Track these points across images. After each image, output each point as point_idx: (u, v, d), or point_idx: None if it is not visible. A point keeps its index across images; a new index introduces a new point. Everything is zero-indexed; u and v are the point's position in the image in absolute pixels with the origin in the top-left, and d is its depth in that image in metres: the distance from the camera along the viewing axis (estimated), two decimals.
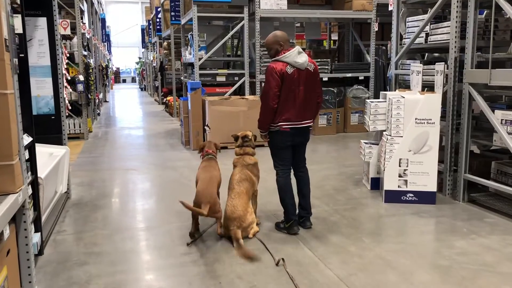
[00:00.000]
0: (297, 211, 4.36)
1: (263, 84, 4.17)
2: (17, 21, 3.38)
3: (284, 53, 4.12)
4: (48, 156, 4.71)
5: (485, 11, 5.91)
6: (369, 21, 9.99)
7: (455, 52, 5.13)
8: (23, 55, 3.57)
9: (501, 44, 5.21)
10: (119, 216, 4.89)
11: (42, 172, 3.93)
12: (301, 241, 4.07)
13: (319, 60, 9.62)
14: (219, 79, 9.75)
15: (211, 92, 9.41)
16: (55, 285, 3.32)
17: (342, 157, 7.74)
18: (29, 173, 3.45)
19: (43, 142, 4.77)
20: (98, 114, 14.19)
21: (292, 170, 4.39)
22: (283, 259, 3.61)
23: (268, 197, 5.24)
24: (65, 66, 8.77)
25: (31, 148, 3.54)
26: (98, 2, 17.11)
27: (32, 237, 3.21)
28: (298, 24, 12.20)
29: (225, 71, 10.03)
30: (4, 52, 2.63)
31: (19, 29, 3.43)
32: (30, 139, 3.52)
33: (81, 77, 9.44)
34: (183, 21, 11.29)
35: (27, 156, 3.33)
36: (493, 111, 4.70)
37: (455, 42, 5.12)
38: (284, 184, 4.28)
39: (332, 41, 13.99)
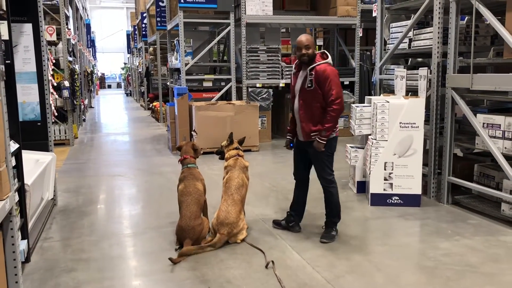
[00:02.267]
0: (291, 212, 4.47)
1: (308, 88, 3.98)
2: (4, 27, 3.37)
3: (323, 56, 4.05)
4: (34, 162, 4.68)
5: (466, 17, 6.05)
6: (354, 26, 10.11)
7: (437, 57, 5.24)
8: (9, 61, 3.56)
9: (482, 50, 5.32)
10: (106, 222, 4.87)
11: (28, 179, 3.91)
12: (289, 244, 4.10)
13: None
14: (205, 84, 9.76)
15: (198, 97, 9.42)
16: None
17: None
18: (16, 180, 3.43)
19: (29, 148, 4.73)
20: (84, 120, 14.09)
21: (301, 175, 4.38)
22: (272, 261, 3.64)
23: (255, 202, 5.27)
24: (51, 72, 8.71)
25: (17, 155, 3.52)
26: (83, 7, 17.02)
27: (19, 244, 3.20)
28: (284, 30, 12.29)
29: (212, 76, 10.06)
30: None
31: (5, 36, 3.42)
32: (17, 145, 3.50)
33: (67, 83, 9.38)
34: (169, 27, 11.30)
35: (13, 163, 3.31)
36: (475, 115, 4.81)
37: (438, 47, 5.22)
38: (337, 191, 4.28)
39: (317, 46, 14.11)
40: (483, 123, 4.69)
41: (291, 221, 4.42)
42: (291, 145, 4.40)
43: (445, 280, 3.40)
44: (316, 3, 10.64)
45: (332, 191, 4.20)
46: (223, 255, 3.86)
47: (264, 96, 9.53)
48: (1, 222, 2.78)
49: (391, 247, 4.04)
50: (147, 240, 4.31)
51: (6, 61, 3.52)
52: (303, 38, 3.99)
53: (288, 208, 4.54)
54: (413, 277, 3.49)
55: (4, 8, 3.45)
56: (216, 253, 3.90)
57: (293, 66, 4.24)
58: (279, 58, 9.67)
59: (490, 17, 4.49)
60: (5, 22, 3.44)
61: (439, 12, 5.15)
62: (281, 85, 9.75)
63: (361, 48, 10.41)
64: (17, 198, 3.43)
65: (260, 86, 9.62)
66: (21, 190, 3.61)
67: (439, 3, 5.12)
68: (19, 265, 3.12)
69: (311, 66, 3.97)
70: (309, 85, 3.98)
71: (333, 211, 4.24)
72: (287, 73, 9.65)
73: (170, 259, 3.68)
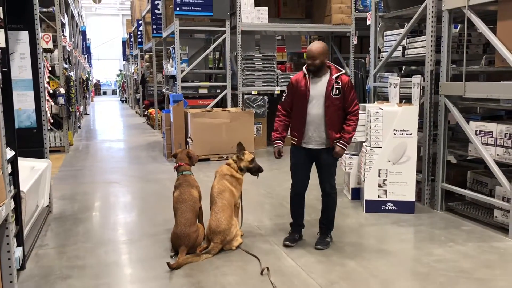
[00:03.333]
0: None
1: (333, 96, 3.98)
2: (0, 35, 3.39)
3: (334, 66, 4.11)
4: (30, 169, 4.68)
5: (459, 26, 6.13)
6: (348, 34, 10.20)
7: (431, 65, 5.30)
8: (5, 69, 3.58)
9: (474, 58, 5.40)
10: (101, 229, 4.88)
11: (24, 186, 3.92)
12: (284, 251, 4.12)
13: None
14: (201, 91, 9.80)
15: (193, 104, 9.46)
16: None
17: None
18: (12, 187, 3.44)
19: (24, 155, 4.73)
20: (79, 127, 14.08)
21: (306, 186, 4.29)
22: (267, 268, 3.65)
23: (251, 209, 5.29)
24: (47, 79, 8.73)
25: (13, 162, 3.53)
26: (78, 14, 17.06)
27: (15, 251, 3.21)
28: (279, 37, 12.37)
29: (207, 83, 10.09)
30: None
31: (2, 44, 3.45)
32: (13, 153, 3.52)
33: (62, 90, 9.39)
34: (164, 34, 11.35)
35: (9, 170, 3.33)
36: (468, 122, 4.87)
37: (431, 55, 5.29)
38: None
39: None
40: (476, 130, 4.74)
41: (300, 230, 4.41)
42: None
43: (438, 286, 3.43)
44: (311, 11, 10.74)
45: (335, 198, 4.25)
46: (219, 262, 3.87)
47: (259, 103, 9.57)
48: None
49: (386, 254, 4.07)
50: (143, 247, 4.31)
51: (3, 69, 3.54)
52: (313, 48, 3.98)
53: (283, 214, 4.55)
54: (407, 283, 3.52)
55: (1, 17, 3.48)
56: (212, 260, 3.92)
57: (304, 68, 4.09)
58: (275, 66, 9.74)
59: (481, 26, 4.56)
60: (2, 30, 3.47)
61: (432, 21, 5.22)
62: (276, 92, 9.80)
63: (355, 55, 10.50)
64: (13, 205, 3.43)
65: (256, 93, 9.67)
66: (17, 197, 3.61)
67: (432, 12, 5.19)
68: (14, 273, 3.13)
69: (337, 74, 4.02)
70: (336, 92, 3.98)
71: (330, 218, 4.27)
72: (283, 80, 9.71)
73: (168, 263, 3.69)
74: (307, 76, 4.06)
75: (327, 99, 3.99)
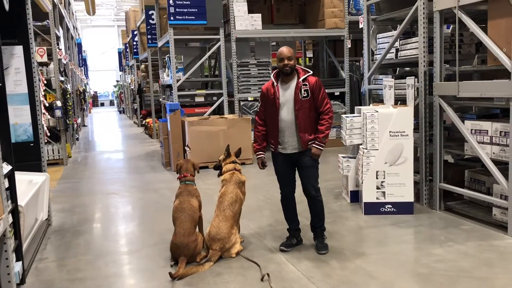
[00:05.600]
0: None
1: (323, 97, 4.10)
2: None
3: (301, 69, 4.16)
4: (28, 183, 4.68)
5: (451, 26, 6.16)
6: (342, 38, 10.25)
7: (424, 66, 5.33)
8: (0, 84, 3.59)
9: (467, 57, 5.43)
10: (101, 241, 4.87)
11: (22, 200, 3.91)
12: (284, 257, 4.12)
13: None
14: (197, 99, 9.84)
15: (190, 112, 9.48)
16: None
17: (322, 171, 7.72)
18: (9, 201, 3.44)
19: (22, 169, 4.74)
20: (77, 139, 14.08)
21: (293, 190, 4.34)
22: (268, 274, 3.65)
23: (250, 215, 5.29)
24: (43, 93, 8.74)
25: (10, 176, 3.54)
26: (74, 27, 17.12)
27: (14, 266, 3.21)
28: (274, 43, 12.43)
29: (204, 91, 10.13)
30: None
31: None
32: (10, 167, 3.52)
33: (59, 103, 9.41)
34: (160, 44, 11.40)
35: (6, 185, 3.33)
36: (463, 122, 4.89)
37: (424, 56, 5.32)
38: None
39: (307, 58, 14.27)
40: (471, 129, 4.76)
41: (299, 235, 4.43)
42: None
43: (438, 286, 3.43)
44: (304, 16, 10.80)
45: (321, 199, 4.27)
46: (219, 269, 3.87)
47: (256, 109, 9.59)
48: None
49: (386, 255, 4.08)
50: (143, 257, 4.31)
51: None
52: (285, 49, 4.04)
53: (282, 220, 4.55)
54: (408, 284, 3.52)
55: None
56: (212, 267, 3.91)
57: (272, 76, 4.18)
58: (270, 71, 9.77)
59: (472, 26, 4.59)
60: None
61: (423, 22, 5.25)
62: None
63: (350, 59, 10.55)
64: (11, 219, 3.44)
65: (252, 99, 9.70)
66: (15, 212, 3.62)
67: (423, 13, 5.23)
68: (14, 287, 3.13)
69: (304, 77, 4.05)
70: (304, 95, 4.02)
71: (321, 219, 4.30)
72: None
73: (170, 273, 3.69)
74: (275, 84, 4.11)
75: (296, 103, 4.03)
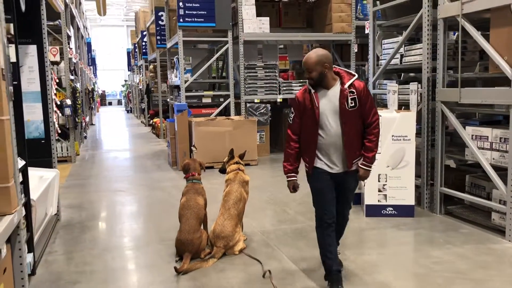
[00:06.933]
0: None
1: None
2: (11, 50, 3.56)
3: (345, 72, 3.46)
4: (39, 179, 4.83)
5: (457, 33, 6.25)
6: (349, 42, 10.35)
7: (427, 72, 5.43)
8: (16, 82, 3.74)
9: (470, 64, 5.52)
10: (108, 236, 5.01)
11: (34, 195, 4.06)
12: (286, 255, 4.24)
13: (302, 81, 9.93)
14: (204, 100, 9.97)
15: (197, 113, 9.61)
16: None
17: None
18: (23, 195, 3.58)
19: (33, 165, 4.89)
20: (85, 137, 14.27)
21: (331, 214, 3.51)
22: (269, 271, 3.77)
23: (254, 214, 5.41)
24: (54, 91, 8.91)
25: (24, 171, 3.68)
26: (84, 26, 17.33)
27: (26, 256, 3.34)
28: (282, 46, 12.55)
29: (211, 92, 10.27)
30: (1, 81, 2.82)
31: (13, 58, 3.61)
32: (23, 162, 3.67)
33: (68, 101, 9.58)
34: (168, 45, 11.56)
35: (21, 179, 3.47)
36: (465, 127, 4.98)
37: (428, 62, 5.42)
38: None
39: None
40: (472, 135, 4.86)
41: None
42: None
43: (435, 286, 3.53)
44: (312, 20, 10.91)
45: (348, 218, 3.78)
46: (222, 266, 4.00)
47: (262, 111, 9.72)
48: (9, 235, 2.93)
49: (385, 256, 4.18)
50: (149, 252, 4.44)
51: (14, 83, 3.70)
52: (306, 58, 3.37)
53: (285, 220, 4.64)
54: (405, 284, 3.63)
55: (12, 32, 3.65)
56: (215, 263, 4.04)
57: (308, 82, 3.43)
58: (277, 74, 9.89)
59: (475, 34, 4.69)
60: (13, 45, 3.63)
61: (427, 29, 5.35)
62: (278, 100, 9.95)
63: (356, 63, 10.64)
64: (24, 212, 3.58)
65: (258, 101, 9.82)
66: (27, 205, 3.76)
67: (428, 20, 5.33)
68: (26, 277, 3.26)
69: (350, 82, 3.35)
70: (352, 104, 3.33)
71: (342, 234, 3.88)
72: (285, 88, 9.86)
73: (175, 268, 3.82)
74: (312, 91, 3.40)
75: (343, 114, 3.33)
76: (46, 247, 4.57)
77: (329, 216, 3.45)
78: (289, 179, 3.57)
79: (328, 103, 3.36)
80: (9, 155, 2.91)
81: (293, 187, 3.56)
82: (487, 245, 4.36)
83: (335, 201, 3.51)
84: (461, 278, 3.67)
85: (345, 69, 3.47)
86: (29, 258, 3.65)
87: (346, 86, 3.34)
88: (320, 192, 3.49)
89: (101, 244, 4.71)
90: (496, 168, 4.64)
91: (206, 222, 4.45)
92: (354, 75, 3.41)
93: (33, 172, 4.73)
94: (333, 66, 3.42)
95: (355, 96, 3.34)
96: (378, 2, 6.51)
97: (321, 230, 3.49)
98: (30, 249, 3.79)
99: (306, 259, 4.12)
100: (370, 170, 3.46)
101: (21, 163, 3.55)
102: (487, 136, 4.68)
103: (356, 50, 10.37)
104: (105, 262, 4.21)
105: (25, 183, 3.69)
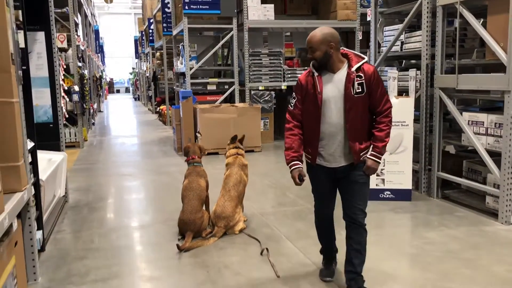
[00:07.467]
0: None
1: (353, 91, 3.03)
2: (20, 36, 3.71)
3: (353, 54, 3.11)
4: (47, 161, 5.02)
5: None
6: (354, 30, 10.40)
7: (426, 59, 5.51)
8: (25, 67, 3.90)
9: (470, 51, 5.58)
10: (114, 217, 5.20)
11: (42, 176, 4.24)
12: (284, 235, 4.40)
13: (307, 68, 10.01)
14: (209, 87, 10.11)
15: (202, 100, 9.76)
16: (57, 277, 3.62)
17: None
18: (32, 175, 3.76)
19: (42, 148, 5.05)
20: (93, 124, 14.49)
21: (333, 210, 3.39)
22: (267, 248, 3.93)
23: (255, 197, 5.57)
24: (62, 77, 9.09)
25: (33, 152, 3.86)
26: (91, 14, 17.47)
27: (35, 233, 3.53)
28: (288, 34, 12.61)
29: (216, 80, 10.39)
30: (11, 66, 2.97)
31: (22, 44, 3.76)
32: (32, 144, 3.84)
33: (76, 88, 9.76)
34: (174, 32, 11.67)
35: (30, 159, 3.65)
36: (462, 113, 5.08)
37: (426, 49, 5.50)
38: None
39: None
40: (468, 121, 4.96)
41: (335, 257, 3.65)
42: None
43: (425, 265, 3.68)
44: (317, 7, 10.95)
45: (366, 230, 3.23)
46: (222, 244, 4.17)
47: (266, 98, 9.83)
48: (20, 211, 3.11)
49: (380, 237, 4.32)
50: (153, 232, 4.63)
51: (23, 67, 3.86)
52: (310, 36, 3.05)
53: (285, 203, 4.78)
54: (396, 262, 3.77)
55: (21, 19, 3.80)
56: (216, 242, 4.21)
57: (311, 64, 3.13)
58: (281, 61, 9.97)
59: (472, 21, 4.76)
60: (22, 32, 3.78)
61: (427, 17, 5.42)
62: (283, 87, 10.06)
63: (361, 50, 10.66)
64: (33, 191, 3.76)
65: (263, 88, 9.93)
66: (37, 185, 3.94)
67: (427, 7, 5.40)
68: (36, 251, 3.46)
69: (358, 65, 3.00)
70: (358, 90, 2.98)
71: (362, 260, 3.24)
72: (289, 75, 9.96)
73: (177, 245, 4.01)
74: (315, 74, 3.09)
75: (347, 100, 2.99)
76: (54, 226, 4.77)
77: (323, 211, 3.34)
78: (294, 167, 3.12)
79: (333, 89, 3.03)
80: (19, 136, 3.07)
81: (299, 177, 3.12)
82: (480, 227, 4.49)
83: (334, 196, 3.31)
84: (450, 257, 3.80)
85: (354, 52, 3.12)
86: (38, 234, 3.84)
87: (353, 69, 2.98)
88: (316, 188, 3.31)
89: (107, 224, 4.90)
90: (492, 154, 4.74)
91: (208, 203, 4.62)
92: (363, 58, 3.07)
93: (41, 154, 4.91)
94: (341, 48, 3.09)
95: (363, 81, 2.98)
96: None
97: (317, 222, 3.44)
98: (40, 227, 3.98)
99: (303, 239, 4.28)
100: (379, 162, 3.07)
101: (30, 144, 3.72)
102: (483, 122, 4.78)
103: (361, 38, 10.41)
104: (111, 241, 4.40)
105: (34, 163, 3.87)
